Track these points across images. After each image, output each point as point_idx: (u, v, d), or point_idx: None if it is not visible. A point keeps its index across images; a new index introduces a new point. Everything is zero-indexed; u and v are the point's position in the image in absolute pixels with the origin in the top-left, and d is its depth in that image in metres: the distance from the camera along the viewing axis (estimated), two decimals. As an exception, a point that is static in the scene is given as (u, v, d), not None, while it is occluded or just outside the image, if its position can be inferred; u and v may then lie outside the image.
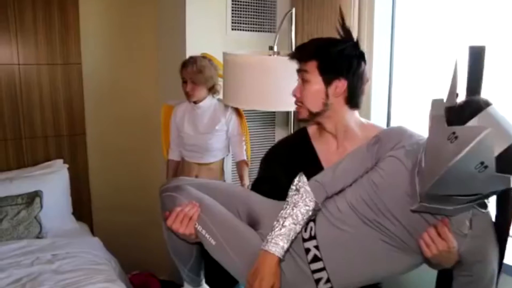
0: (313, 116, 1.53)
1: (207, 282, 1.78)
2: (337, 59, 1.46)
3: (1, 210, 2.65)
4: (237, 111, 2.73)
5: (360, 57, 1.49)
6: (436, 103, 1.19)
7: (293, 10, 2.62)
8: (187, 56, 2.74)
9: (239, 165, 2.76)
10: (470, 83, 1.18)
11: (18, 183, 2.84)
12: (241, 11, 3.03)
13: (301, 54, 1.53)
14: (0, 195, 2.71)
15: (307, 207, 1.37)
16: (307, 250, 1.37)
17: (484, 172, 1.06)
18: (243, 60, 2.13)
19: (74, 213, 3.07)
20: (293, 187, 1.41)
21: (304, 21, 2.83)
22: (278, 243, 1.33)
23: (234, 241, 1.43)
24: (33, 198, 2.76)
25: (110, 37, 3.26)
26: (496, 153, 1.07)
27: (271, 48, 2.37)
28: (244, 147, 2.76)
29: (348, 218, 1.35)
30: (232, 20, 3.00)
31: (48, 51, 3.01)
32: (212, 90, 2.68)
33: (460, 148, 1.05)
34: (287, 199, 1.41)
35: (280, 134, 3.27)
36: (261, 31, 3.11)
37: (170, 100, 2.92)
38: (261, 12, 3.09)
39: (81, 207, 3.19)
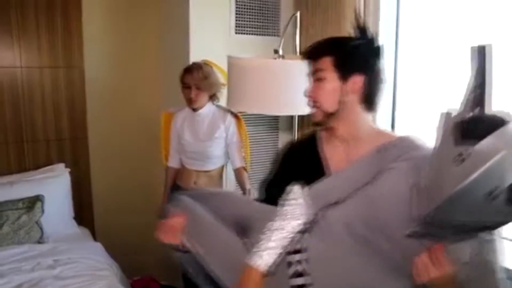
0: (328, 118, 1.43)
1: None
2: (353, 53, 1.38)
3: (2, 214, 2.62)
4: (236, 117, 2.71)
5: (377, 53, 1.41)
6: (445, 116, 1.05)
7: (298, 14, 2.60)
8: (191, 61, 2.72)
9: (238, 172, 2.73)
10: (475, 92, 1.00)
11: (19, 187, 2.82)
12: (244, 14, 3.01)
13: (315, 51, 1.43)
14: (1, 200, 2.68)
15: (297, 221, 1.30)
16: (289, 264, 1.30)
17: (493, 202, 0.93)
18: (248, 63, 2.11)
19: (75, 218, 3.05)
20: (285, 197, 1.35)
21: (309, 25, 2.81)
22: (262, 257, 1.27)
23: (216, 253, 1.40)
24: (34, 202, 2.73)
25: (113, 41, 3.25)
26: (510, 182, 0.92)
27: (276, 51, 2.35)
28: (243, 153, 2.73)
29: (339, 233, 1.26)
30: (236, 24, 2.98)
31: (51, 54, 2.99)
32: (213, 97, 2.66)
33: (467, 174, 0.92)
34: (278, 209, 1.34)
35: (283, 138, 3.25)
36: (264, 34, 3.09)
37: (170, 107, 2.89)
38: (264, 16, 3.08)
39: (83, 212, 3.17)
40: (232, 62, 2.17)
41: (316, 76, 1.42)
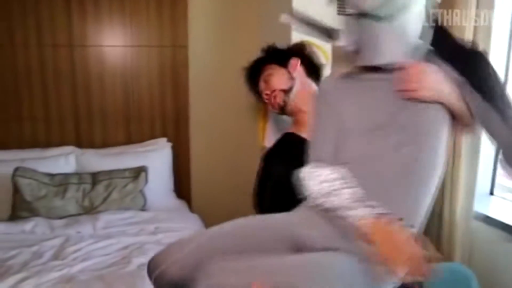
0: (286, 96, 2.01)
1: None
2: (283, 50, 2.18)
3: (111, 182, 2.83)
4: None
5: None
6: None
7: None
8: (292, 40, 2.71)
9: None
10: None
11: (126, 158, 3.03)
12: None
13: (261, 65, 2.16)
14: (111, 168, 2.90)
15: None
16: None
17: None
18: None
19: (175, 190, 3.20)
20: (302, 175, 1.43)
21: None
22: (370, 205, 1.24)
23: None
24: (139, 172, 2.91)
25: (215, 20, 3.30)
26: None
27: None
28: None
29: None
30: (338, 5, 2.93)
31: (157, 33, 3.14)
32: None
33: None
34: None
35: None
36: (366, 16, 3.00)
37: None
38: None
39: (182, 185, 3.31)
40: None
41: (266, 79, 2.10)
